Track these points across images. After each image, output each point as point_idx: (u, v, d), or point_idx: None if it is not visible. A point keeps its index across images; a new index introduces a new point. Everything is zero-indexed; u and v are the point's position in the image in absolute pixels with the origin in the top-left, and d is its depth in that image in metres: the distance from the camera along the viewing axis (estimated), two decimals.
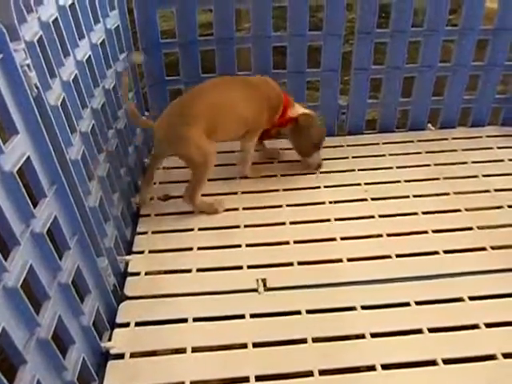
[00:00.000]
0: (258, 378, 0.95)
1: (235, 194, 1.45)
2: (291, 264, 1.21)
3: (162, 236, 1.31)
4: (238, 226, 1.32)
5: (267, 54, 1.57)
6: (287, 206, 1.39)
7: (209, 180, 1.35)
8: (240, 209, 1.39)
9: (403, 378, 0.94)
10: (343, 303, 1.10)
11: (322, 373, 0.96)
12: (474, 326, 1.03)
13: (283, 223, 1.33)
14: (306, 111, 1.46)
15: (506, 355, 0.97)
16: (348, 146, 1.66)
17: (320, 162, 1.51)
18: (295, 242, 1.27)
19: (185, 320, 1.07)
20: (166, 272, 1.20)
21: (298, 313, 1.09)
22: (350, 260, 1.21)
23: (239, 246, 1.26)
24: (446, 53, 1.64)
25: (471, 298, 1.09)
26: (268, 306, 1.10)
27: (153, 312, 1.09)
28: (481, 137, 1.69)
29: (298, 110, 1.45)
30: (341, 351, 1.00)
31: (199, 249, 1.26)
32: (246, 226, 1.32)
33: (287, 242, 1.27)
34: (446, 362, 0.96)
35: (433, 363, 0.97)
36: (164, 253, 1.26)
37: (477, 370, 0.95)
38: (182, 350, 1.01)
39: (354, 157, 1.59)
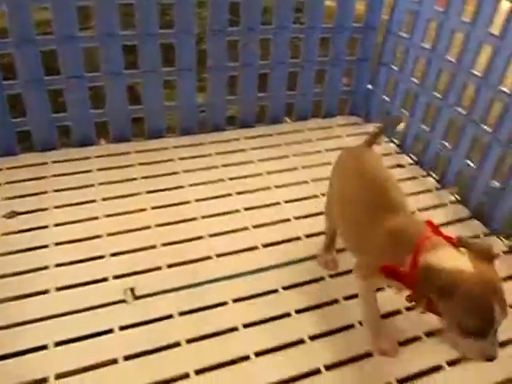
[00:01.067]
0: None
1: (94, 201, 1.38)
2: (159, 268, 1.19)
3: (12, 258, 1.19)
4: (99, 236, 1.26)
5: (116, 53, 1.52)
6: (152, 208, 1.37)
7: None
8: (101, 217, 1.32)
9: (270, 362, 0.99)
10: (215, 300, 1.12)
11: (199, 372, 0.97)
12: (287, 314, 1.10)
13: (148, 227, 1.30)
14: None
15: (312, 337, 1.07)
16: (210, 143, 1.68)
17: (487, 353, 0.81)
18: (162, 245, 1.25)
19: (44, 347, 0.99)
20: (18, 297, 1.09)
21: (170, 317, 1.08)
22: (218, 256, 1.24)
23: (102, 256, 1.20)
24: (295, 49, 1.76)
25: (284, 288, 1.16)
26: (138, 315, 1.07)
27: (6, 344, 0.99)
28: (332, 126, 1.85)
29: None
30: (215, 347, 1.02)
31: (57, 265, 1.17)
32: (108, 235, 1.27)
33: (154, 246, 1.25)
34: (258, 354, 1.01)
35: (246, 358, 1.00)
36: (16, 276, 1.14)
37: (286, 354, 1.04)
38: (44, 380, 0.94)
39: (216, 153, 1.62)
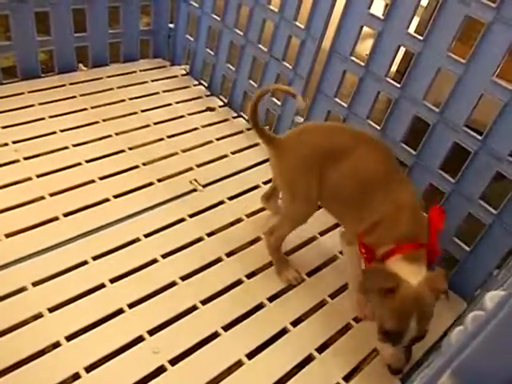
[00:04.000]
0: None
1: None
2: None
3: None
4: None
5: None
6: None
7: None
8: None
9: (91, 341, 0.94)
10: (10, 288, 0.99)
11: (2, 373, 0.86)
12: (153, 261, 1.11)
13: None
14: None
15: (184, 277, 1.09)
16: None
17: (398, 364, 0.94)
18: None
19: None
20: None
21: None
22: (8, 236, 1.09)
23: None
24: None
25: (146, 235, 1.16)
26: None
27: None
28: (135, 72, 1.74)
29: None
30: (18, 341, 0.91)
31: None
32: None
33: None
34: (131, 305, 1.01)
35: (120, 311, 1.00)
36: None
37: (162, 300, 1.03)
38: None
39: None
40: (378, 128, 1.27)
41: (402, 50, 1.22)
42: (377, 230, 0.97)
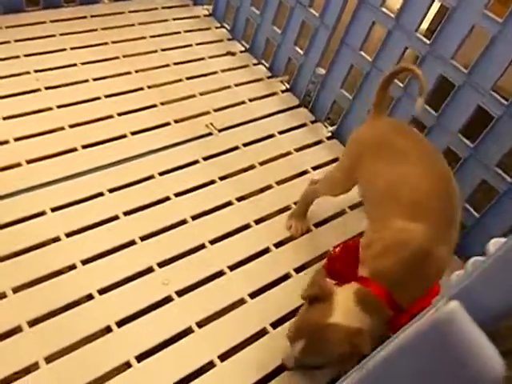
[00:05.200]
0: None
1: None
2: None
3: None
4: None
5: None
6: None
7: None
8: None
9: (104, 267, 1.01)
10: (29, 211, 1.05)
11: (17, 290, 0.94)
12: (166, 199, 1.16)
13: None
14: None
15: (194, 217, 1.14)
16: (7, 27, 1.46)
17: None
18: None
19: None
20: None
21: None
22: (29, 162, 1.15)
23: None
24: None
25: (161, 174, 1.21)
26: None
27: None
28: (156, 8, 1.74)
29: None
30: (36, 260, 0.99)
31: None
32: None
33: None
34: (143, 238, 1.07)
35: (132, 243, 1.06)
36: None
37: (172, 236, 1.10)
38: None
39: (16, 40, 1.42)
40: (401, 85, 1.28)
41: (436, 5, 1.20)
42: (373, 247, 0.87)
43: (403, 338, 0.40)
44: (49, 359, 0.86)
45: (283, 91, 1.59)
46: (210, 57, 1.61)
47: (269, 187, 1.26)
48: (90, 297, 0.96)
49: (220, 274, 1.06)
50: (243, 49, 1.70)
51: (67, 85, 1.35)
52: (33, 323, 0.89)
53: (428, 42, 1.20)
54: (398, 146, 0.95)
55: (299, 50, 1.53)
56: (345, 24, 1.36)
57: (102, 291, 0.97)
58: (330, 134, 1.49)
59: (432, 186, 0.88)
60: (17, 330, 0.88)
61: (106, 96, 1.35)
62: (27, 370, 0.84)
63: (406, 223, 0.84)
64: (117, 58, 1.49)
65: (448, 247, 0.86)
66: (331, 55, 1.43)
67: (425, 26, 1.36)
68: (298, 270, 1.10)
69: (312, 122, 1.51)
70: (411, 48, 1.24)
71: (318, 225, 1.21)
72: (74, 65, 1.42)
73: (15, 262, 0.97)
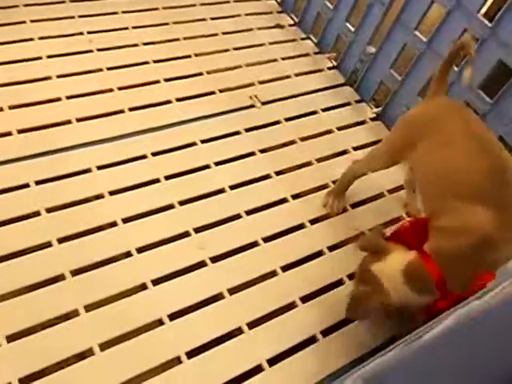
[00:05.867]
0: None
1: None
2: (9, 134, 1.13)
3: None
4: None
5: None
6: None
7: None
8: None
9: (143, 227, 1.05)
10: (76, 167, 1.11)
11: (62, 240, 1.00)
12: (206, 167, 1.19)
13: None
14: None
15: (232, 187, 1.17)
16: (71, 1, 1.49)
17: None
18: (10, 108, 1.17)
19: None
20: None
21: (26, 186, 1.05)
22: (79, 120, 1.20)
23: None
24: None
25: (203, 141, 1.24)
26: None
27: None
28: None
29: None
30: (80, 215, 1.04)
31: None
32: None
33: (0, 109, 1.16)
34: (182, 203, 1.11)
35: (170, 207, 1.10)
36: None
37: (210, 204, 1.13)
38: None
39: (80, 16, 1.45)
40: (456, 69, 1.24)
41: None
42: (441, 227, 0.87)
43: (467, 311, 0.40)
44: (87, 309, 0.91)
45: (329, 68, 1.58)
46: (259, 28, 1.62)
47: (308, 164, 1.27)
48: (128, 254, 1.00)
49: (254, 244, 1.09)
50: (292, 22, 1.69)
51: (118, 48, 1.39)
52: (75, 273, 0.95)
53: (489, 24, 1.17)
54: (455, 128, 0.94)
55: (350, 27, 1.51)
56: (401, 1, 1.34)
57: (139, 250, 1.01)
58: (374, 115, 1.48)
59: (492, 170, 0.87)
60: (59, 279, 0.94)
61: (155, 61, 1.38)
62: (67, 316, 0.90)
63: (471, 207, 0.84)
64: (166, 24, 1.51)
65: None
66: (383, 33, 1.40)
67: (483, 10, 1.32)
68: (331, 249, 1.12)
69: (357, 102, 1.50)
70: (471, 28, 1.20)
71: (354, 205, 1.21)
72: (126, 28, 1.45)
73: (61, 213, 1.03)
